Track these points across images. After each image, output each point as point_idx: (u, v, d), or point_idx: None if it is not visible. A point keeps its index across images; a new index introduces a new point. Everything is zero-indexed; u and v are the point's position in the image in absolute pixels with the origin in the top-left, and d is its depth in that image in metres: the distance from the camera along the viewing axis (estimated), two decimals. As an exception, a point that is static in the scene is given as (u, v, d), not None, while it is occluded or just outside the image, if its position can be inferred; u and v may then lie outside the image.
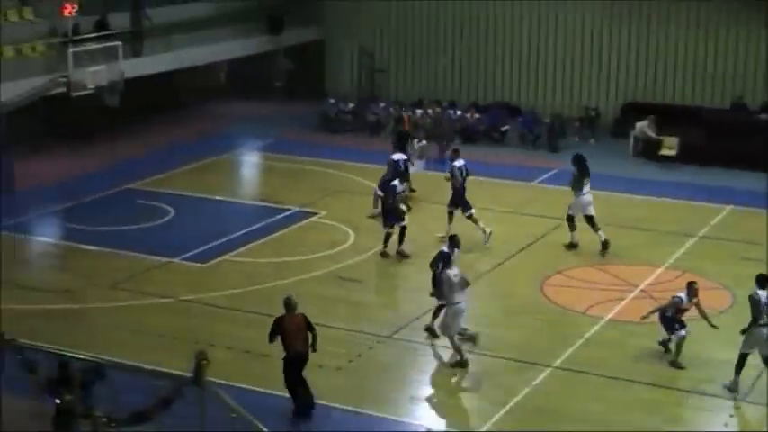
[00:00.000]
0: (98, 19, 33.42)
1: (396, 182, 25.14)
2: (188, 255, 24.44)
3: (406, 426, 17.03)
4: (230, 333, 20.12)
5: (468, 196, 26.30)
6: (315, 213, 27.61)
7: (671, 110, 36.20)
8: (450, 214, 25.32)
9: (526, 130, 35.59)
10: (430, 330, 20.04)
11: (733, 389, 17.72)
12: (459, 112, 36.68)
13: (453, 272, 19.03)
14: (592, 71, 38.34)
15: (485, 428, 16.71)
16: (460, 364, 18.83)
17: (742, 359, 17.71)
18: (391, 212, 24.65)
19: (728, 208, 28.20)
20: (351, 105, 38.17)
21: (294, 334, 16.83)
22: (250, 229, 26.33)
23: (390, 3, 40.88)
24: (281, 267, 23.72)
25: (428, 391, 18.27)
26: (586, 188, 24.87)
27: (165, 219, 27.17)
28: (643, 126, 34.22)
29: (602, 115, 37.42)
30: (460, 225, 24.55)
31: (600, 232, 24.54)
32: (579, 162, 25.26)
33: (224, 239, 25.43)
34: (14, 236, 25.88)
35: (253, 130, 36.92)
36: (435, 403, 17.83)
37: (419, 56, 40.89)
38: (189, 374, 12.74)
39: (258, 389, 17.69)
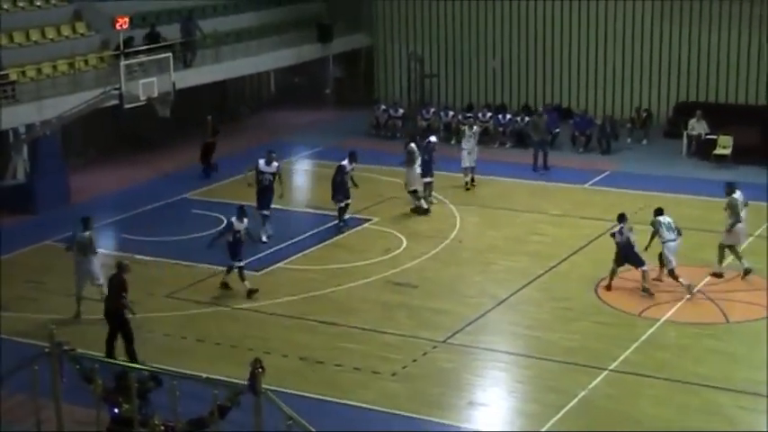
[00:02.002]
0: (148, 31, 33.78)
1: (345, 161, 26.88)
2: (243, 263, 24.52)
3: (463, 430, 16.99)
4: (286, 340, 20.21)
5: (523, 200, 26.35)
6: (368, 220, 27.66)
7: (724, 109, 35.90)
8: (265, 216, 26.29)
9: (577, 132, 35.39)
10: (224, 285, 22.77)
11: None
12: (508, 116, 36.59)
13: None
14: (643, 72, 38.08)
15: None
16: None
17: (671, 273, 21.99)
18: (339, 189, 26.63)
19: (785, 207, 27.85)
20: (401, 111, 38.18)
21: (109, 292, 19.53)
22: (304, 236, 26.44)
23: (440, 8, 40.88)
24: (336, 274, 23.79)
25: (485, 395, 18.21)
26: (418, 162, 28.01)
27: (219, 228, 27.25)
28: (693, 123, 34.00)
29: (655, 116, 37.16)
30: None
31: (422, 201, 27.96)
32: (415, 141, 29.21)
33: (278, 247, 25.55)
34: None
35: (304, 139, 37.07)
36: (492, 407, 17.76)
37: (468, 60, 40.85)
38: (245, 382, 12.80)
39: (314, 396, 17.74)
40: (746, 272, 22.88)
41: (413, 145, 28.65)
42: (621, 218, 22.51)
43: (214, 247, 23.01)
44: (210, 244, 23.25)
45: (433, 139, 29.96)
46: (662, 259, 22.42)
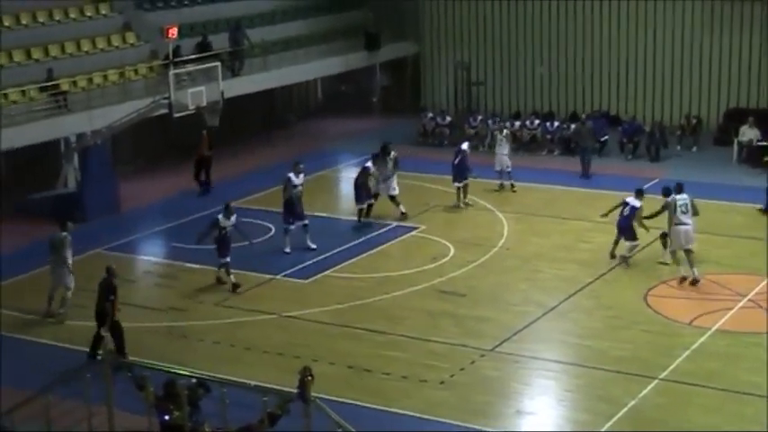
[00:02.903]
0: (200, 41, 34.05)
1: (369, 163, 27.97)
2: (290, 271, 24.67)
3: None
4: (333, 348, 20.23)
5: (571, 207, 26.45)
6: (415, 228, 27.65)
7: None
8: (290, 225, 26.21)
9: (625, 139, 35.16)
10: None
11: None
12: (556, 124, 36.46)
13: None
14: (693, 78, 37.77)
15: (591, 442, 16.59)
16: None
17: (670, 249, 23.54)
18: (361, 189, 27.76)
19: (837, 214, 27.52)
20: (448, 119, 38.14)
21: (99, 294, 19.94)
22: (351, 244, 26.47)
23: (486, 15, 40.82)
24: (383, 282, 23.80)
25: (533, 404, 18.12)
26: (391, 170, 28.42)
27: (267, 236, 27.42)
28: (744, 129, 33.69)
29: (705, 123, 36.83)
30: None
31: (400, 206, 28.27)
32: (385, 150, 28.73)
33: (325, 255, 25.60)
34: (121, 255, 26.40)
35: (351, 147, 37.11)
36: (541, 416, 17.68)
37: (516, 67, 40.73)
38: (294, 390, 12.84)
39: (361, 404, 17.75)
40: (684, 279, 23.13)
41: (394, 153, 28.77)
42: (639, 193, 24.45)
43: (202, 243, 24.03)
44: (198, 240, 24.07)
45: (464, 146, 30.14)
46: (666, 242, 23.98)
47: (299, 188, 26.07)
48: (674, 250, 23.38)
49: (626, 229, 24.09)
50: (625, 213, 24.09)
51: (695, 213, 23.34)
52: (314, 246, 25.88)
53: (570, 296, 22.62)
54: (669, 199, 23.35)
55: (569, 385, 18.69)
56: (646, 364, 19.11)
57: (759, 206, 27.95)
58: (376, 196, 28.33)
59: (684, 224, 23.04)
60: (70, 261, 22.16)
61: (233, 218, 23.80)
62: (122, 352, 19.34)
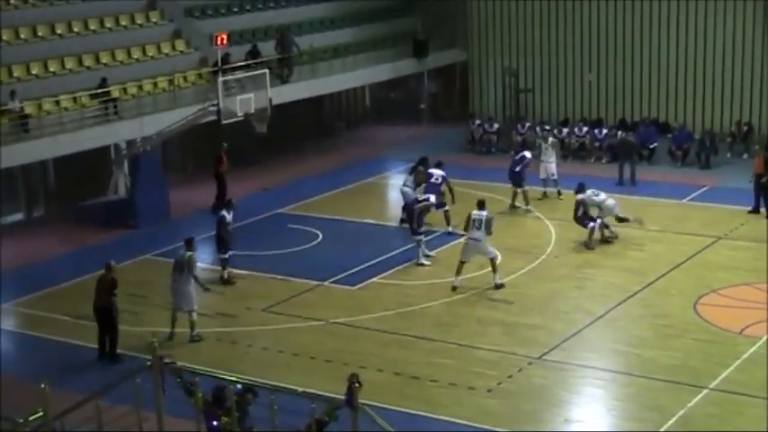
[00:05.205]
0: (250, 49, 34.25)
1: (435, 170, 28.13)
2: (338, 278, 24.72)
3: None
4: (381, 355, 20.25)
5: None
6: (463, 235, 27.51)
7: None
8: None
9: (674, 146, 34.89)
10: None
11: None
12: (605, 131, 36.27)
13: None
14: (744, 85, 37.38)
15: (640, 451, 16.46)
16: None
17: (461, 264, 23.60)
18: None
19: None
20: (496, 126, 38.09)
21: (98, 290, 20.78)
22: (399, 251, 26.47)
23: (534, 23, 40.69)
24: (431, 289, 23.79)
25: (581, 412, 18.03)
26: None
27: (315, 242, 27.54)
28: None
29: (756, 130, 36.44)
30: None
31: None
32: (423, 162, 29.06)
33: (373, 262, 25.63)
34: (170, 261, 26.53)
35: (399, 154, 37.14)
36: (589, 425, 17.56)
37: (564, 74, 40.55)
38: (342, 397, 12.87)
39: (409, 411, 17.75)
40: (455, 288, 23.54)
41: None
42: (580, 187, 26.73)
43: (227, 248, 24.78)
44: (220, 246, 24.80)
45: (527, 154, 30.29)
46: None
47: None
48: (463, 261, 23.65)
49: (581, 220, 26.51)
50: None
51: (488, 233, 23.70)
52: (427, 263, 25.64)
53: (619, 304, 22.49)
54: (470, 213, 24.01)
55: (618, 394, 18.58)
56: (696, 373, 18.96)
57: None
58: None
59: (475, 239, 23.61)
60: (196, 281, 21.43)
61: (232, 213, 25.12)
62: (114, 353, 20.32)
